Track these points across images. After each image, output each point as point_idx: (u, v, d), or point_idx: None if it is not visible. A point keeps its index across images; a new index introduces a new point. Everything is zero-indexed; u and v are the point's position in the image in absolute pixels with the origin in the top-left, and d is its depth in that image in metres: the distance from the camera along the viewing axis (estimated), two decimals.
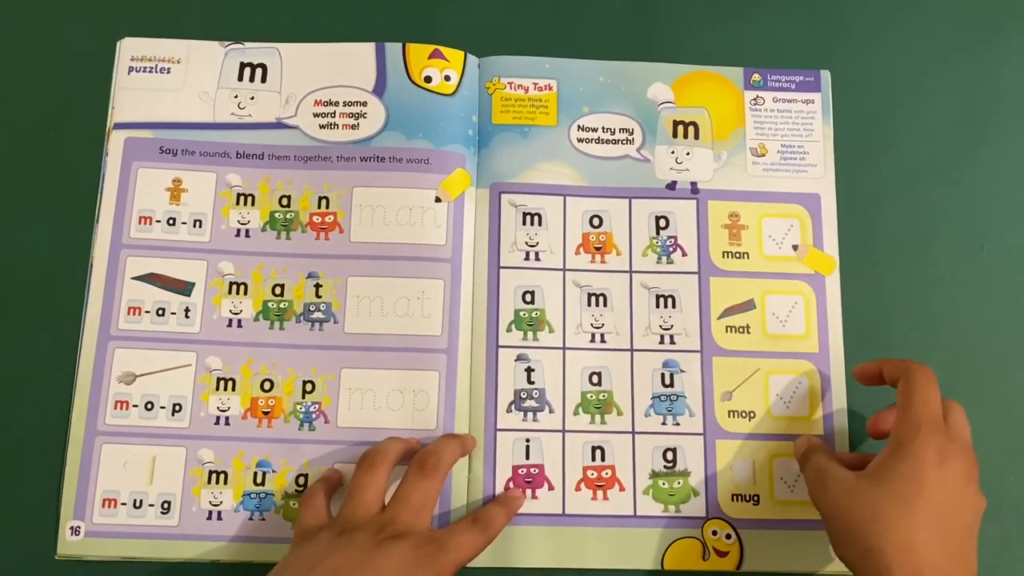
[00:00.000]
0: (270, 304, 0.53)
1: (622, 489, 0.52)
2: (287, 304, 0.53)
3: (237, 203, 0.55)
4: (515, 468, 0.52)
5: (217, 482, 0.51)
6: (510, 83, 0.57)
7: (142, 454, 0.51)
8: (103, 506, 0.50)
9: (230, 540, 0.50)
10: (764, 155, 0.57)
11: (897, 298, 0.56)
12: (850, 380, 0.53)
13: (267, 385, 0.52)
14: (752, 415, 0.53)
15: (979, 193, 0.57)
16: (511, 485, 0.51)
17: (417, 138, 0.56)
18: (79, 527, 0.50)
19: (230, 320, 0.53)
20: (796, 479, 0.52)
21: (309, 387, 0.52)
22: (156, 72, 0.56)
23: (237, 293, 0.53)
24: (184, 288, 0.53)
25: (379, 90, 0.56)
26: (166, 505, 0.50)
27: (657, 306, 0.54)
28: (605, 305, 0.54)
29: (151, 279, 0.53)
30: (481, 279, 0.54)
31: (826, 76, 0.58)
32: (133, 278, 0.53)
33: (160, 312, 0.53)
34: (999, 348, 0.55)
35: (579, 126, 0.57)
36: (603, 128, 0.57)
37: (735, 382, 0.53)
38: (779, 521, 0.51)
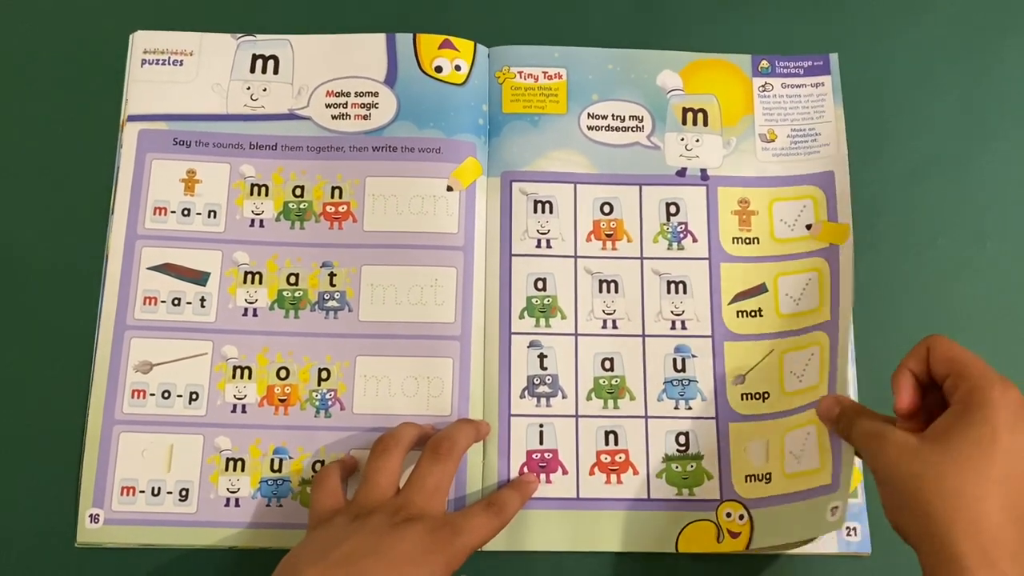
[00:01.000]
0: (285, 293, 0.54)
1: (635, 473, 0.52)
2: (302, 293, 0.54)
3: (251, 193, 0.55)
4: (529, 453, 0.52)
5: (234, 469, 0.51)
6: (520, 72, 0.58)
7: (160, 442, 0.51)
8: (122, 494, 0.51)
9: (247, 526, 0.51)
10: (773, 140, 0.57)
11: (904, 285, 0.56)
12: (859, 342, 0.53)
13: (283, 373, 0.53)
14: (766, 395, 0.53)
15: (985, 184, 0.58)
16: (525, 470, 0.52)
17: (428, 128, 0.56)
18: (98, 515, 0.50)
19: (245, 309, 0.53)
20: (802, 449, 0.50)
21: (325, 375, 0.53)
22: (169, 64, 0.57)
23: (252, 282, 0.54)
24: (199, 278, 0.54)
25: (390, 80, 0.57)
26: (184, 492, 0.51)
27: (668, 292, 0.55)
28: (616, 291, 0.55)
29: (167, 269, 0.54)
30: (493, 267, 0.55)
31: (835, 59, 0.59)
32: (149, 268, 0.54)
33: (176, 302, 0.53)
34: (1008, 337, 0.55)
35: (589, 114, 0.57)
36: (613, 116, 0.57)
37: (748, 365, 0.53)
38: (787, 495, 0.50)
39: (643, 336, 0.54)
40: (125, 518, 0.50)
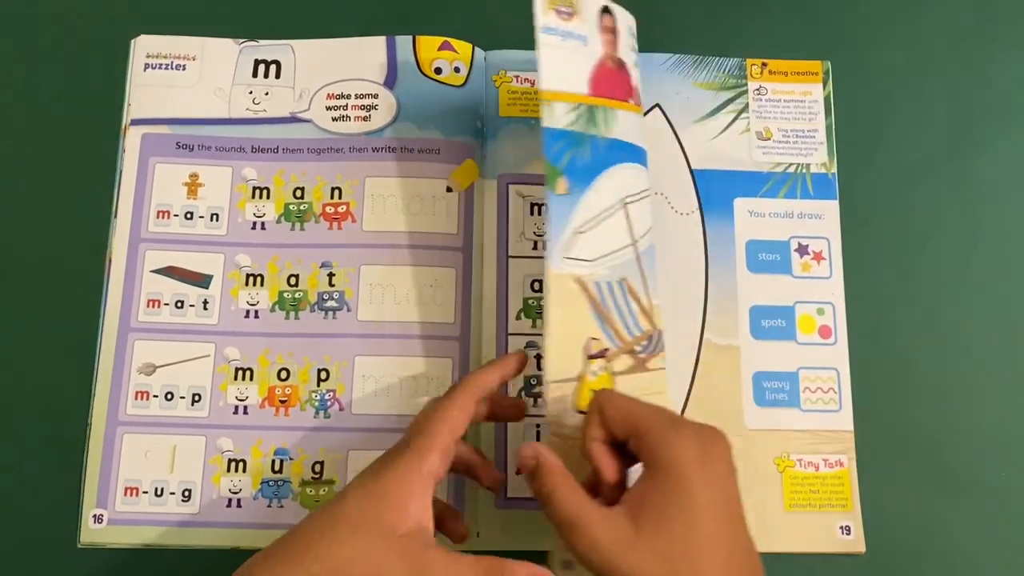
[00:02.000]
0: (285, 294, 0.54)
1: None
2: (302, 294, 0.54)
3: (253, 196, 0.56)
4: None
5: (236, 470, 0.52)
6: (516, 77, 0.58)
7: (162, 443, 0.52)
8: (125, 494, 0.51)
9: (249, 527, 0.51)
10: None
11: (895, 290, 0.56)
12: (852, 348, 0.54)
13: (283, 374, 0.53)
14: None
15: (975, 189, 0.58)
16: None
17: (428, 129, 0.56)
18: (102, 515, 0.51)
19: (247, 311, 0.54)
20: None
21: (324, 375, 0.53)
22: (172, 69, 0.57)
23: (254, 285, 0.54)
24: (202, 280, 0.54)
25: (390, 82, 0.57)
26: (187, 493, 0.51)
27: None
28: None
29: (170, 272, 0.54)
30: (491, 268, 0.55)
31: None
32: (152, 271, 0.54)
33: (179, 304, 0.54)
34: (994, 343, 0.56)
35: None
36: None
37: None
38: None
39: None
40: (128, 518, 0.51)
